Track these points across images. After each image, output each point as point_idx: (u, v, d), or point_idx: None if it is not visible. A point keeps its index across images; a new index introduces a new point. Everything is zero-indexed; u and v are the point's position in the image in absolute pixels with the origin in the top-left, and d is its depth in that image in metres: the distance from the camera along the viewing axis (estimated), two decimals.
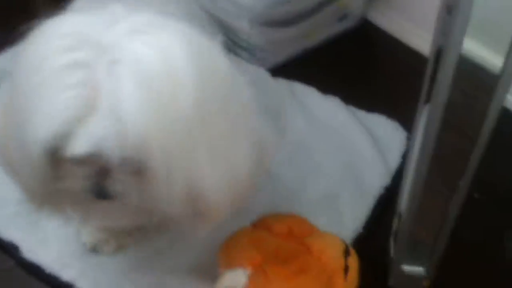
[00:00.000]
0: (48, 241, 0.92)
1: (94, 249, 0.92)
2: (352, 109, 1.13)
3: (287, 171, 1.02)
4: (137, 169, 0.61)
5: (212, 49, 0.65)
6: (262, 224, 0.90)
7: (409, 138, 1.06)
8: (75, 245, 0.92)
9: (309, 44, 1.28)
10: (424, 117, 0.75)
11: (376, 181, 1.00)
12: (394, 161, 1.04)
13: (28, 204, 0.73)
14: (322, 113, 1.12)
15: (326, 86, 1.17)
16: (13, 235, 0.93)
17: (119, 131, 0.57)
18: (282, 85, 1.18)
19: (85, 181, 0.63)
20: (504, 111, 0.81)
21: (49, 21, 0.62)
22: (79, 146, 0.58)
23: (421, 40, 1.26)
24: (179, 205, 0.64)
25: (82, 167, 0.63)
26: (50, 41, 0.60)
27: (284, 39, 1.24)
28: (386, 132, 1.08)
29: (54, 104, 0.58)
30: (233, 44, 1.25)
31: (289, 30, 1.24)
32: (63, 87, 0.58)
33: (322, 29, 1.29)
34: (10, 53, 1.15)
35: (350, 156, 1.04)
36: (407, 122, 1.09)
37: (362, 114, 1.12)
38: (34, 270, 0.91)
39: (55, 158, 0.62)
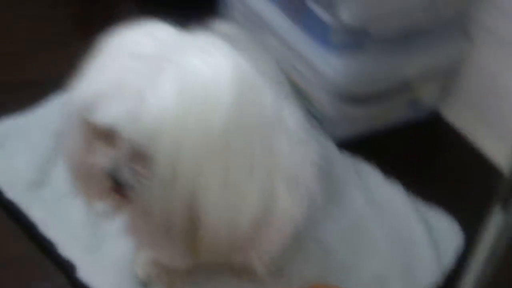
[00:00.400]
0: (104, 266, 0.96)
1: (145, 283, 0.94)
2: (413, 198, 1.14)
3: (340, 245, 1.04)
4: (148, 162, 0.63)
5: (265, 95, 0.69)
6: None
7: (466, 239, 1.07)
8: (129, 275, 0.95)
9: (379, 126, 1.31)
10: (495, 223, 0.77)
11: (428, 274, 1.01)
12: (448, 257, 1.04)
13: (72, 185, 0.77)
14: (382, 195, 1.14)
15: (388, 169, 1.19)
16: (71, 254, 0.97)
17: (138, 112, 0.61)
18: (347, 159, 1.21)
19: (108, 161, 0.66)
20: None
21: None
22: (100, 114, 0.63)
23: (488, 143, 1.28)
24: (177, 216, 0.65)
25: (109, 148, 0.66)
26: (130, 34, 0.68)
27: (356, 116, 1.28)
28: (443, 227, 1.09)
29: (98, 76, 0.65)
30: (306, 111, 1.29)
31: (362, 109, 1.27)
32: (114, 67, 0.65)
33: (393, 114, 1.32)
34: None
35: (404, 244, 1.05)
36: (465, 222, 1.10)
37: (421, 205, 1.13)
38: None
39: (90, 131, 0.67)
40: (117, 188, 0.68)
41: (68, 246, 0.98)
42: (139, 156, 0.64)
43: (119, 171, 0.66)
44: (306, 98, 1.28)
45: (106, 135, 0.67)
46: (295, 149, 0.79)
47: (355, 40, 1.18)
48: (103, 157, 0.67)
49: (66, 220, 1.00)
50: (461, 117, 1.34)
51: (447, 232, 1.09)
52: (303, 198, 0.81)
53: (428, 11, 1.21)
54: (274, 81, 0.93)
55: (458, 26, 1.27)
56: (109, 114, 0.63)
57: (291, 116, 0.83)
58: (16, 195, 1.03)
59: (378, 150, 1.26)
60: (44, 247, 0.98)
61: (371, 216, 1.09)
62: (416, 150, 1.29)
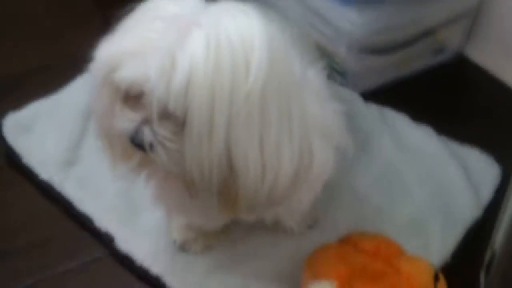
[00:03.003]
0: (142, 235, 0.97)
1: (183, 247, 0.95)
2: (444, 139, 1.13)
3: (374, 192, 1.03)
4: (176, 121, 0.63)
5: (292, 55, 0.69)
6: (349, 240, 0.91)
7: (503, 173, 1.05)
8: (166, 242, 0.96)
9: (403, 74, 1.29)
10: None
11: (466, 212, 0.99)
12: (486, 194, 1.02)
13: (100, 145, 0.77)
14: (413, 140, 1.12)
15: (417, 116, 1.18)
16: (109, 226, 0.98)
17: (168, 67, 0.61)
18: (373, 109, 1.20)
19: (128, 124, 0.66)
20: None
21: None
22: (125, 73, 0.63)
23: None
24: (209, 175, 0.64)
25: (131, 111, 0.66)
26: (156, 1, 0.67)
27: (378, 66, 1.26)
28: (479, 165, 1.07)
29: (124, 37, 0.65)
30: (328, 66, 1.28)
31: (384, 58, 1.25)
32: (141, 28, 0.65)
33: (417, 60, 1.30)
34: None
35: (440, 185, 1.04)
36: (500, 156, 1.08)
37: (454, 145, 1.11)
38: (125, 261, 0.95)
39: (114, 93, 0.67)
40: (139, 149, 0.68)
41: (104, 219, 0.99)
42: (166, 115, 0.64)
43: (140, 134, 0.66)
44: (327, 55, 1.26)
45: (129, 97, 0.67)
46: (324, 106, 0.78)
47: None
48: (124, 121, 0.67)
49: (100, 194, 1.02)
50: (487, 56, 1.32)
51: (482, 167, 1.07)
52: (336, 152, 0.80)
53: None
54: (297, 42, 0.93)
55: None
56: (136, 71, 0.62)
57: (315, 75, 0.83)
58: (49, 175, 1.05)
59: (406, 97, 1.24)
60: (82, 223, 1.00)
61: (402, 160, 1.08)
62: (445, 93, 1.27)
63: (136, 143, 0.67)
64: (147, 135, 0.65)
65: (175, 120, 0.64)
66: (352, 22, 1.16)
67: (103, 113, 0.71)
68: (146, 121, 0.66)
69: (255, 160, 0.64)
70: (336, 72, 1.27)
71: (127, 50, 0.64)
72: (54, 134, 1.11)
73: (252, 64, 0.62)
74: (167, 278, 0.93)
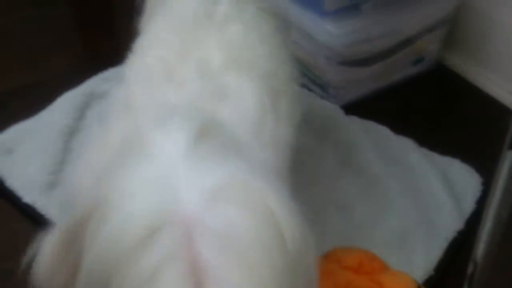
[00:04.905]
0: None
1: None
2: (425, 151, 1.14)
3: (359, 206, 1.04)
4: None
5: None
6: (332, 256, 0.92)
7: (484, 184, 1.06)
8: None
9: (383, 85, 1.30)
10: (507, 164, 0.76)
11: (449, 224, 1.00)
12: (468, 205, 1.04)
13: None
14: (395, 152, 1.13)
15: (398, 126, 1.19)
16: None
17: None
18: (355, 122, 1.20)
19: None
20: None
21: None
22: None
23: (497, 87, 1.27)
24: None
25: None
26: (128, 215, 0.51)
27: (359, 78, 1.27)
28: (460, 176, 1.09)
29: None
30: (308, 80, 1.29)
31: (364, 70, 1.26)
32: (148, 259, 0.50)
33: (397, 70, 1.31)
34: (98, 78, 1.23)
35: (422, 197, 1.05)
36: (481, 167, 1.10)
37: (435, 156, 1.12)
38: None
39: None
40: None
41: None
42: None
43: None
44: (308, 68, 1.27)
45: None
46: None
47: (349, 4, 1.17)
48: None
49: None
50: (465, 64, 1.33)
51: (464, 178, 1.08)
52: None
53: None
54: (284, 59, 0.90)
55: None
56: None
57: None
58: (32, 198, 1.04)
59: (387, 109, 1.25)
60: None
61: (386, 174, 1.09)
62: (425, 103, 1.28)
63: None
64: None
65: None
66: (330, 33, 1.17)
67: None
68: None
69: None
70: (316, 85, 1.27)
71: None
72: (36, 156, 1.10)
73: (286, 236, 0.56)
74: None
